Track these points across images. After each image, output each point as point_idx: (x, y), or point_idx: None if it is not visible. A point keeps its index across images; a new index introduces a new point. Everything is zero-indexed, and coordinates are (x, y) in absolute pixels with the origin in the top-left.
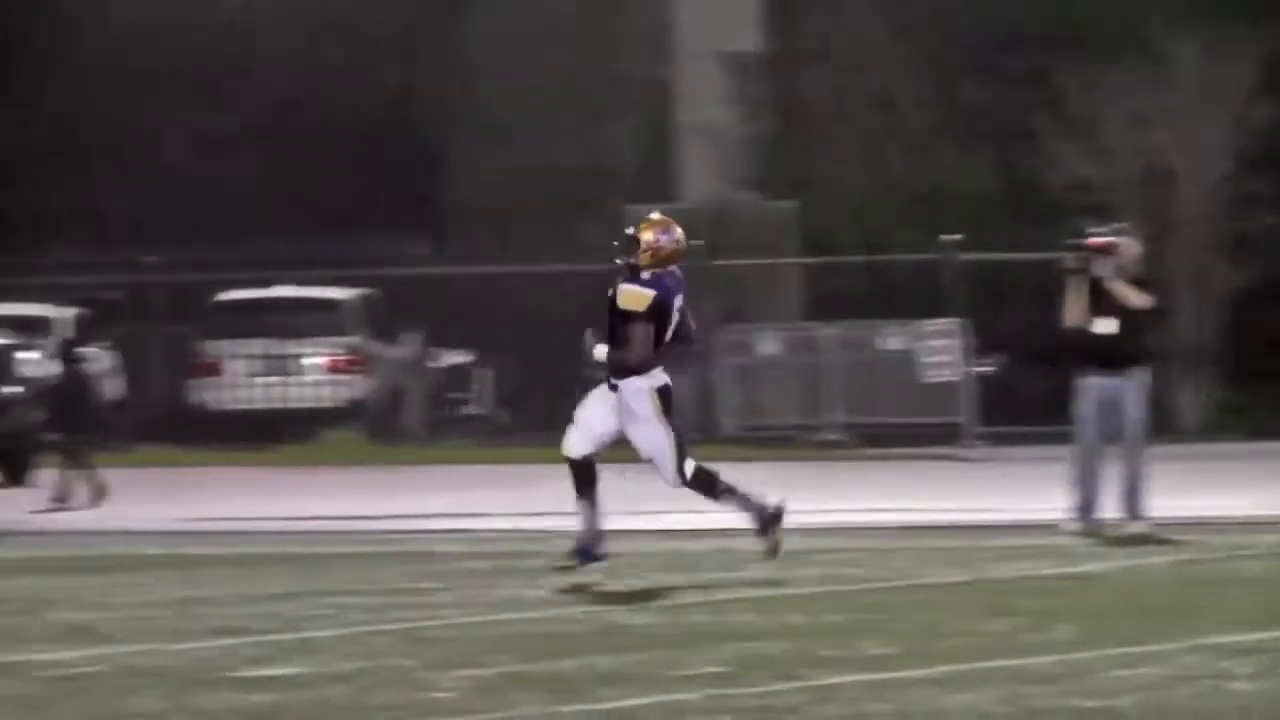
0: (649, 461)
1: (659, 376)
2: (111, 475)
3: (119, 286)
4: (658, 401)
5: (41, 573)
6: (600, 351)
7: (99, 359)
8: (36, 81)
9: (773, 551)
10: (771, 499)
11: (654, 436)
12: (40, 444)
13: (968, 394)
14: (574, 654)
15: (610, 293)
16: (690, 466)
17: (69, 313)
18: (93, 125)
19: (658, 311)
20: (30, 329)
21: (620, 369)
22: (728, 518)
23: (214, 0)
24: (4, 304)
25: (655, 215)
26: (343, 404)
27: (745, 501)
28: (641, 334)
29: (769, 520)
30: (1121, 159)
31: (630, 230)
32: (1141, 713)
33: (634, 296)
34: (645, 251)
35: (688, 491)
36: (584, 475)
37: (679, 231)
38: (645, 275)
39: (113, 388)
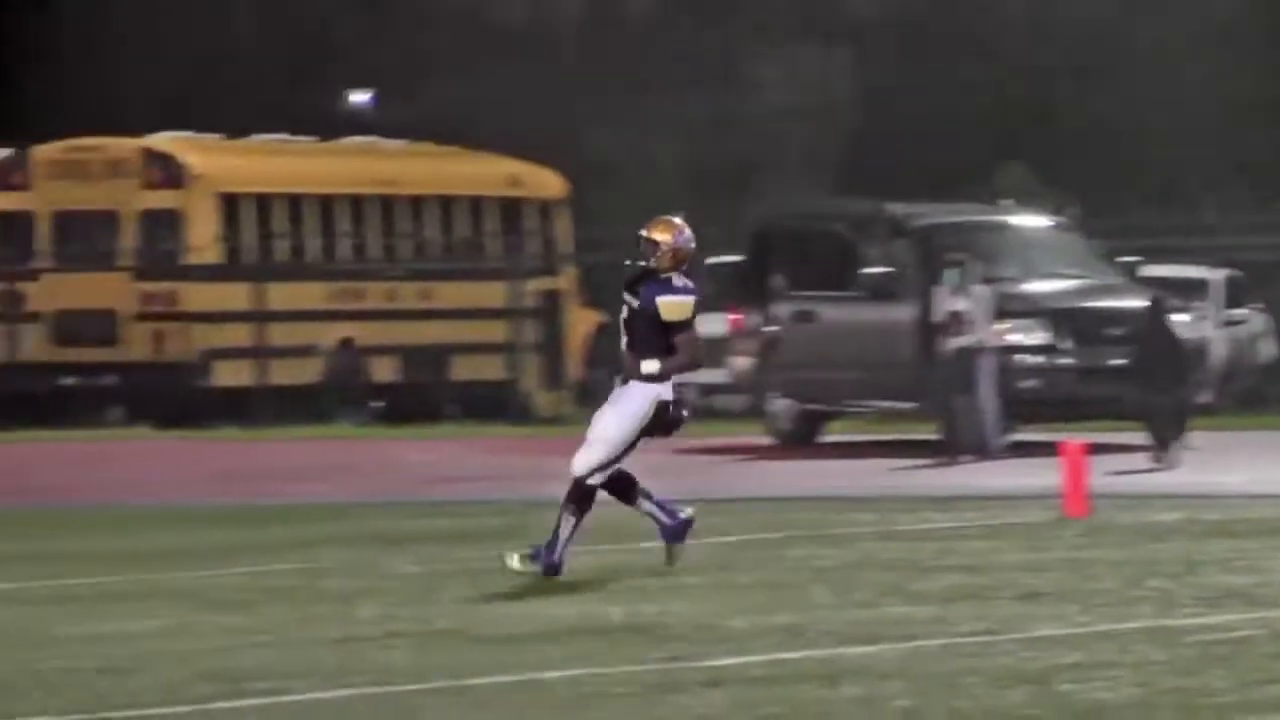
0: (583, 440)
1: (667, 391)
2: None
3: (1274, 248)
4: (650, 412)
5: (1193, 537)
6: (650, 366)
7: (1251, 321)
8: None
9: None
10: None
11: (617, 430)
12: (1187, 408)
13: None
14: None
15: (630, 298)
16: (605, 476)
17: (1221, 274)
18: None
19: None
20: (1187, 291)
21: (645, 376)
22: None
23: None
24: (1162, 265)
25: (674, 218)
26: None
27: (576, 523)
28: (691, 341)
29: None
30: None
31: (644, 233)
32: None
33: (679, 307)
34: (666, 253)
35: (574, 489)
36: (587, 494)
37: (689, 232)
38: (677, 281)
39: (1266, 350)
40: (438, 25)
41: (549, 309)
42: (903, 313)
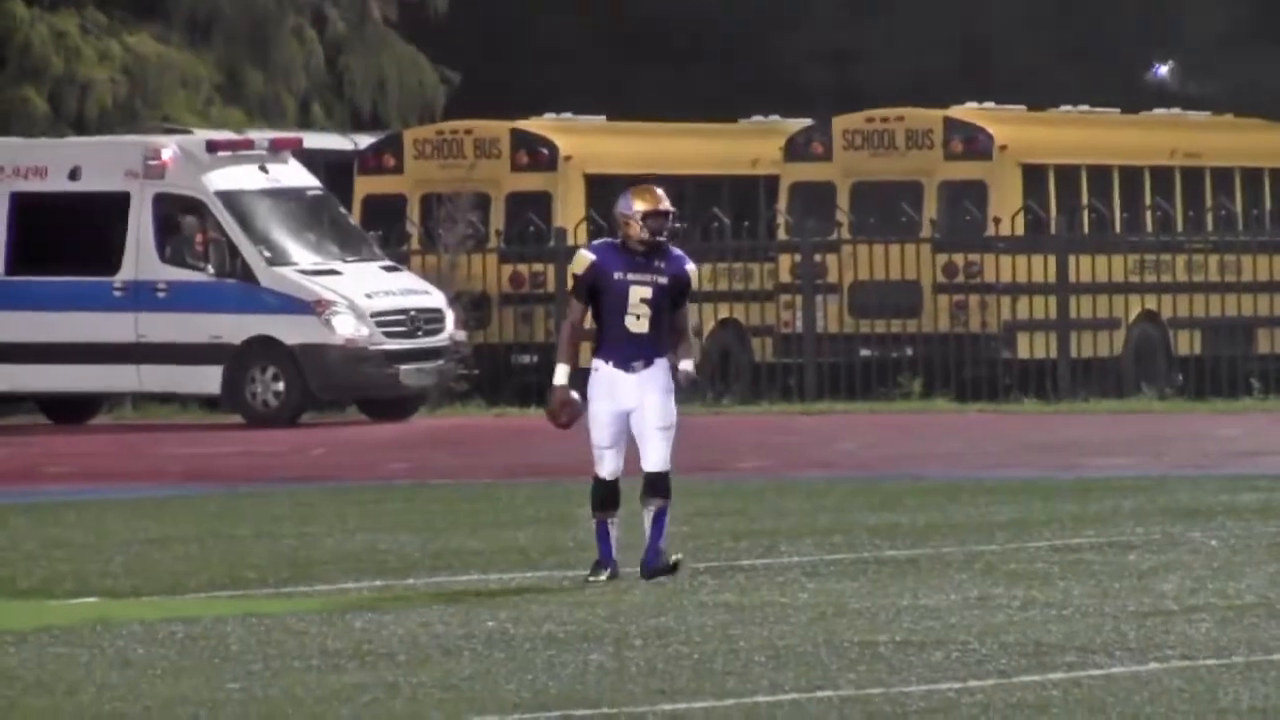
0: (658, 430)
1: None
2: None
3: None
4: None
5: None
6: (688, 366)
7: None
8: None
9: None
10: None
11: (673, 409)
12: None
13: None
14: None
15: (650, 276)
16: None
17: None
18: None
19: None
20: None
21: (663, 349)
22: None
23: None
24: None
25: (656, 188)
26: None
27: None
28: (687, 315)
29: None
30: None
31: (663, 206)
32: None
33: (696, 275)
34: (674, 223)
35: (659, 483)
36: (614, 495)
37: None
38: (679, 251)
39: None
40: None
41: None
42: None
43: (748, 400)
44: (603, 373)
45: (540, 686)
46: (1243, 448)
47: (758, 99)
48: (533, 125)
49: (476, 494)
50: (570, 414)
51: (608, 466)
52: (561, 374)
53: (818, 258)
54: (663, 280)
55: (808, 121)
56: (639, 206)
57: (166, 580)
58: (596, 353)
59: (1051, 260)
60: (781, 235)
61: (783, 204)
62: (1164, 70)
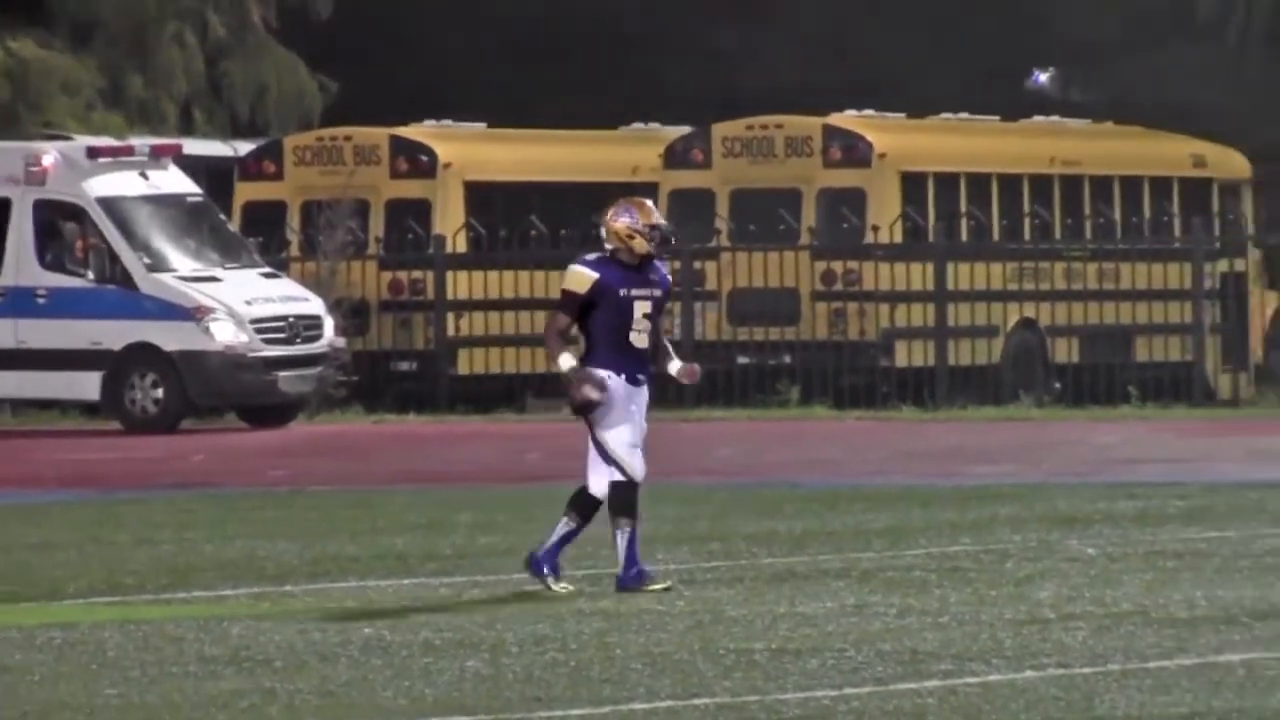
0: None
1: None
2: None
3: None
4: None
5: None
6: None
7: None
8: None
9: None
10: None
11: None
12: None
13: None
14: None
15: (648, 290)
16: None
17: None
18: None
19: None
20: None
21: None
22: None
23: None
24: None
25: (645, 200)
26: None
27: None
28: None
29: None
30: None
31: (659, 221)
32: None
33: None
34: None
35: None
36: (594, 505)
37: None
38: (658, 261)
39: None
40: (1120, 5)
41: (1232, 291)
42: None
43: None
44: (614, 382)
45: (417, 693)
46: (1120, 455)
47: (638, 106)
48: (412, 132)
49: (355, 501)
50: (601, 389)
51: (639, 466)
52: (569, 358)
53: (697, 265)
54: (657, 292)
55: (687, 129)
56: (644, 220)
57: (45, 586)
58: (595, 366)
59: (930, 268)
60: None
61: (662, 211)
62: (1044, 78)
